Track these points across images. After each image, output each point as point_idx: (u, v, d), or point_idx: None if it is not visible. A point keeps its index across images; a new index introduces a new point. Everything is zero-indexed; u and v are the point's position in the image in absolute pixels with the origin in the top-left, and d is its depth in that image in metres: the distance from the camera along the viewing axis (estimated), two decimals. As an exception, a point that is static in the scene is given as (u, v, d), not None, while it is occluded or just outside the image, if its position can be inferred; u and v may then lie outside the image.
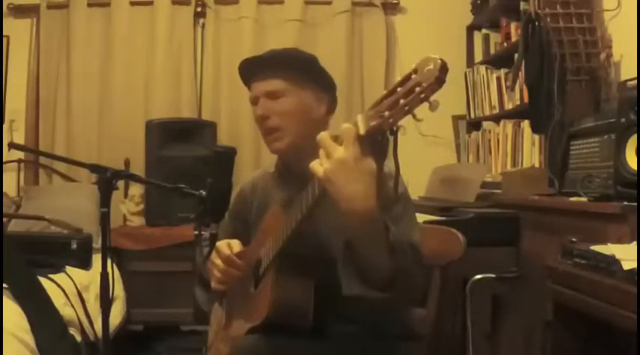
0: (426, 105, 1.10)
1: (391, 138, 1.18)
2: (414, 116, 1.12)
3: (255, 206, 1.77)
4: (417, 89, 1.09)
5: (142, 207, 3.80)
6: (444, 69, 1.07)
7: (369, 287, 1.42)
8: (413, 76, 1.10)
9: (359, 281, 1.42)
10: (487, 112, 3.65)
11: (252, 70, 1.68)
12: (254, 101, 1.66)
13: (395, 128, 1.15)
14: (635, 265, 1.42)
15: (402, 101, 1.11)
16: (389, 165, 1.35)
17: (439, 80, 1.07)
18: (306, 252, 1.53)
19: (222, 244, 1.62)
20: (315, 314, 1.52)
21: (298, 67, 1.64)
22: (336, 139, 1.26)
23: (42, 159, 4.06)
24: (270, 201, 1.71)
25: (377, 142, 1.20)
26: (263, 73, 1.65)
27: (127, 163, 3.90)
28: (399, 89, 1.12)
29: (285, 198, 1.63)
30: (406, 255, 1.41)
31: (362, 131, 1.18)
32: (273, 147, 1.65)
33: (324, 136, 1.24)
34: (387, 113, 1.13)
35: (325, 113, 1.66)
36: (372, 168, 1.22)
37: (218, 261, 1.61)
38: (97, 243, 2.97)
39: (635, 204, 1.80)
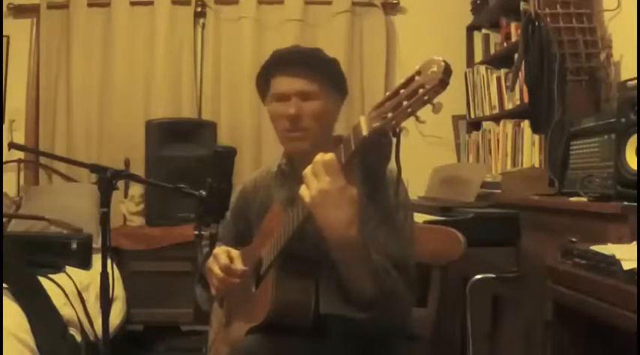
0: (428, 106, 1.10)
1: (394, 140, 1.18)
2: (417, 118, 1.11)
3: (257, 205, 1.77)
4: (421, 91, 1.08)
5: (142, 207, 3.80)
6: (447, 71, 1.06)
7: (352, 307, 1.45)
8: (416, 78, 1.09)
9: (342, 300, 1.46)
10: (487, 112, 3.64)
11: (288, 62, 1.62)
12: (284, 98, 1.60)
13: (398, 130, 1.15)
14: (635, 265, 1.42)
15: (405, 103, 1.11)
16: (390, 170, 1.35)
17: (443, 82, 1.07)
18: (307, 252, 1.53)
19: (220, 252, 1.61)
20: (315, 314, 1.52)
21: (332, 72, 1.63)
22: (339, 140, 1.28)
23: (42, 159, 4.06)
24: (272, 201, 1.71)
25: (379, 145, 1.20)
26: (300, 70, 1.59)
27: (127, 163, 3.90)
28: (402, 91, 1.12)
29: (287, 198, 1.63)
30: (390, 278, 1.44)
31: (365, 132, 1.18)
32: (295, 146, 1.62)
33: (318, 163, 1.29)
34: (390, 115, 1.13)
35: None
36: (354, 197, 1.28)
37: (216, 269, 1.60)
38: (97, 243, 2.97)
39: (635, 204, 1.80)
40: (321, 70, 1.60)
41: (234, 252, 1.61)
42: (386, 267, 1.44)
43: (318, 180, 1.28)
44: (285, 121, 1.60)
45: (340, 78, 1.66)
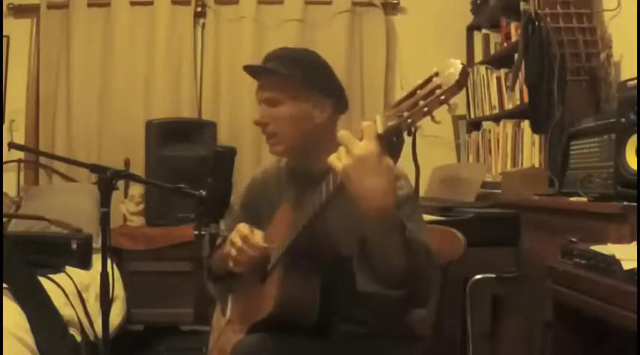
0: (441, 107, 1.12)
1: (407, 139, 1.20)
2: (433, 118, 1.13)
3: (267, 199, 1.77)
4: (437, 91, 1.10)
5: (142, 207, 3.80)
6: (464, 72, 1.08)
7: (383, 286, 1.41)
8: (434, 79, 1.11)
9: (373, 279, 1.42)
10: (487, 112, 3.64)
11: (256, 73, 1.69)
12: (258, 103, 1.67)
13: (413, 129, 1.16)
14: (635, 265, 1.41)
15: (421, 102, 1.12)
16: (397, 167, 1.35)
17: (459, 83, 1.09)
18: (315, 250, 1.53)
19: (243, 226, 1.62)
20: (319, 313, 1.52)
21: (299, 75, 1.61)
22: None
23: (42, 159, 4.06)
24: (281, 196, 1.71)
25: (391, 144, 1.21)
26: (264, 78, 1.66)
27: (127, 163, 3.90)
28: (419, 91, 1.13)
29: (297, 195, 1.64)
30: (420, 254, 1.42)
31: (380, 130, 1.19)
32: (272, 150, 1.67)
33: (344, 133, 1.25)
34: (406, 113, 1.15)
35: (330, 116, 1.64)
36: (391, 164, 1.24)
37: (236, 239, 1.60)
38: (97, 243, 2.97)
39: (635, 204, 1.80)
40: (288, 75, 1.60)
41: (257, 231, 1.61)
42: (416, 242, 1.42)
43: (352, 147, 1.23)
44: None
45: (319, 79, 1.64)
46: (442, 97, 1.10)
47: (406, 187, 1.54)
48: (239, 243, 1.59)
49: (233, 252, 1.61)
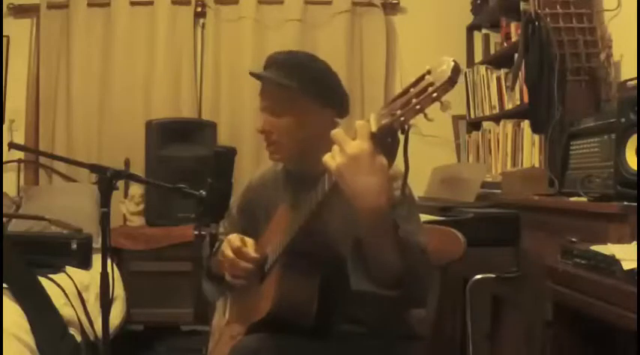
0: (435, 106, 1.12)
1: (402, 138, 1.20)
2: (426, 115, 1.13)
3: (264, 202, 1.77)
4: (430, 89, 1.11)
5: (142, 207, 3.80)
6: (456, 70, 1.09)
7: (378, 286, 1.41)
8: (426, 77, 1.12)
9: (368, 279, 1.42)
10: (487, 112, 3.65)
11: (263, 78, 1.67)
12: (260, 111, 1.67)
13: (406, 127, 1.16)
14: (635, 265, 1.42)
15: (414, 100, 1.13)
16: (394, 166, 1.35)
17: (451, 80, 1.09)
18: (312, 250, 1.53)
19: (234, 237, 1.62)
20: (318, 313, 1.52)
21: (300, 86, 1.60)
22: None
23: (42, 159, 4.06)
24: (279, 199, 1.71)
25: (386, 143, 1.21)
26: (266, 86, 1.65)
27: (127, 163, 3.90)
28: (411, 89, 1.14)
29: (293, 197, 1.64)
30: (415, 254, 1.42)
31: (373, 128, 1.19)
32: (271, 157, 1.68)
33: (337, 132, 1.25)
34: (399, 112, 1.15)
35: (329, 122, 1.62)
36: (385, 164, 1.23)
37: (228, 252, 1.60)
38: (97, 243, 2.97)
39: (635, 204, 1.80)
40: (294, 87, 1.59)
41: (249, 239, 1.61)
42: (410, 242, 1.42)
43: (346, 146, 1.23)
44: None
45: (320, 89, 1.62)
46: (434, 95, 1.10)
47: (406, 190, 1.54)
48: (231, 255, 1.59)
49: (226, 265, 1.61)
